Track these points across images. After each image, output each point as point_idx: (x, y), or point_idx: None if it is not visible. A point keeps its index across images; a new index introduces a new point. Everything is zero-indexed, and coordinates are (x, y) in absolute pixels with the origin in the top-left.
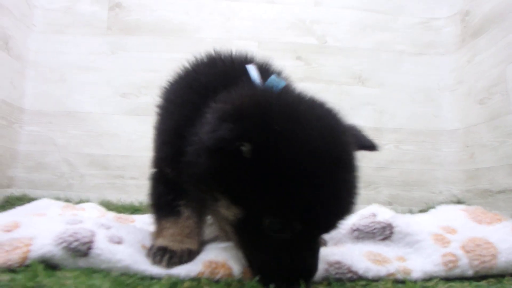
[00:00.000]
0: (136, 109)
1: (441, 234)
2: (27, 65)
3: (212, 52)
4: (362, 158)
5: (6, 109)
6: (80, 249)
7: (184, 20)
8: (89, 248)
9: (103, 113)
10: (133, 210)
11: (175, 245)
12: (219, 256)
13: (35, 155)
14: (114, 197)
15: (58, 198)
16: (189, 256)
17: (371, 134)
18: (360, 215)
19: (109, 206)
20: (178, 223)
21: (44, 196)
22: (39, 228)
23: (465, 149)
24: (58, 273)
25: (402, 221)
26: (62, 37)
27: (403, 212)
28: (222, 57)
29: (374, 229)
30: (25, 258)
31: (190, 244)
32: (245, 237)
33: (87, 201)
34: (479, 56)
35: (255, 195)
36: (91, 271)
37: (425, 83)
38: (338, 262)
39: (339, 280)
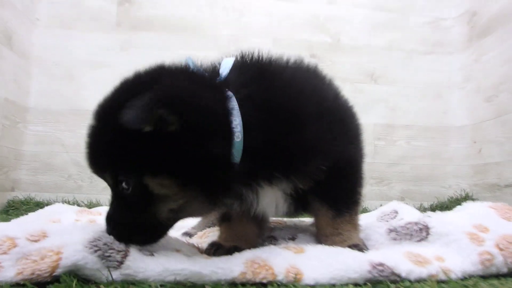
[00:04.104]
0: None
1: (475, 233)
2: (32, 61)
3: None
4: (375, 155)
5: (10, 108)
6: (115, 258)
7: (197, 16)
8: (125, 256)
9: None
10: None
11: (224, 243)
12: (260, 255)
13: (41, 156)
14: None
15: (66, 201)
16: (235, 251)
17: (384, 130)
18: (382, 212)
19: None
20: (229, 227)
21: (51, 199)
22: (69, 236)
23: (473, 145)
24: (92, 286)
25: (437, 222)
26: (68, 32)
27: (414, 207)
28: None
29: (412, 230)
30: (55, 267)
31: (239, 243)
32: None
33: (98, 203)
34: (486, 55)
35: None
36: (127, 283)
37: (434, 81)
38: (381, 264)
39: (381, 282)
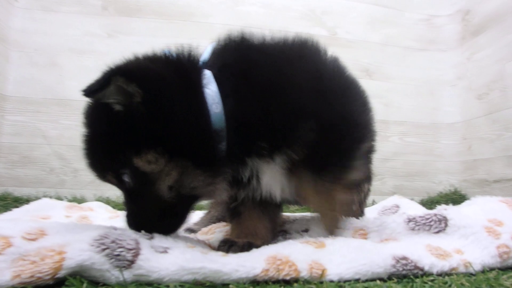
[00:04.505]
0: None
1: (491, 227)
2: (10, 46)
3: None
4: None
5: None
6: (126, 257)
7: (190, 2)
8: (136, 255)
9: None
10: None
11: (237, 239)
12: (282, 251)
13: (20, 148)
14: (113, 193)
15: (48, 196)
16: (249, 247)
17: (377, 126)
18: (383, 206)
19: (109, 203)
20: (240, 223)
21: (31, 194)
22: (72, 234)
23: (463, 142)
24: None
25: (455, 214)
26: (50, 15)
27: None
28: None
29: (431, 221)
30: (58, 269)
31: (252, 239)
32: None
33: (82, 199)
34: (479, 53)
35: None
36: (141, 284)
37: (427, 78)
38: (404, 258)
39: (406, 276)
